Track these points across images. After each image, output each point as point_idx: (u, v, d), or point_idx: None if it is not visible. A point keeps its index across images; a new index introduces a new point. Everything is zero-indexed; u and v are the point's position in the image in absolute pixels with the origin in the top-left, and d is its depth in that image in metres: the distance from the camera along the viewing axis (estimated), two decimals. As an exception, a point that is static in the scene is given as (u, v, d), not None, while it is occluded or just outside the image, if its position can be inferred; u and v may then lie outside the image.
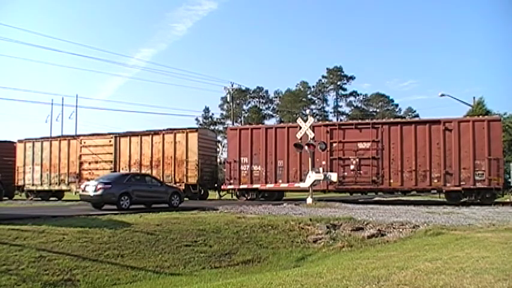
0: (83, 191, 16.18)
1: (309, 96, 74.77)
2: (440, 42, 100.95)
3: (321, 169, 19.31)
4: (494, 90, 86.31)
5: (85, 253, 8.70)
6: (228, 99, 52.16)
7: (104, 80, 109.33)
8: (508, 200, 21.54)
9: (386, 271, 6.04)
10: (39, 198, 27.12)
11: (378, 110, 72.94)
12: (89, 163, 26.19)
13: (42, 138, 28.68)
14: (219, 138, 42.61)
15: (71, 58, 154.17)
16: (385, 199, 25.53)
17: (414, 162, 19.86)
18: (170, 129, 24.40)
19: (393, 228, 11.71)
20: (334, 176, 19.10)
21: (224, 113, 73.22)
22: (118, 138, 25.60)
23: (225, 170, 23.99)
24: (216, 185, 24.71)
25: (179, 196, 17.44)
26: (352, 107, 74.16)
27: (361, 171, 20.66)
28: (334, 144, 21.03)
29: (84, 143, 26.46)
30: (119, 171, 24.60)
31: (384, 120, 25.00)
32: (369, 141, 20.57)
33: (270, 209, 16.00)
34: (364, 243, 10.77)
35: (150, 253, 9.30)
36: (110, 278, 7.86)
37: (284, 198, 23.60)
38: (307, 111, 61.17)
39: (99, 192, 15.25)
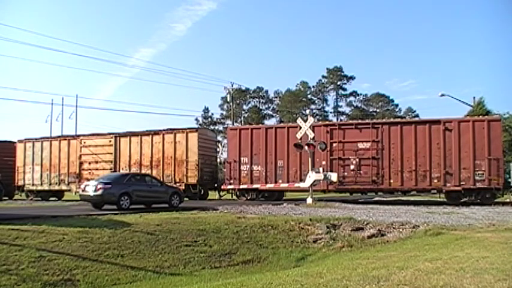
0: (83, 191, 16.17)
1: (309, 96, 74.79)
2: (440, 42, 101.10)
3: (321, 169, 19.31)
4: (494, 90, 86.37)
5: (85, 253, 8.70)
6: (228, 99, 52.16)
7: (104, 80, 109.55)
8: (508, 200, 21.53)
9: (386, 271, 6.04)
10: (39, 198, 27.11)
11: (378, 110, 72.93)
12: (89, 163, 26.18)
13: (42, 138, 28.67)
14: (219, 138, 42.65)
15: (71, 58, 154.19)
16: (385, 199, 25.52)
17: (414, 162, 19.85)
18: (170, 129, 24.40)
19: (393, 228, 11.71)
20: (334, 176, 19.09)
21: (224, 113, 73.30)
22: (118, 138, 25.60)
23: (225, 170, 23.99)
24: (216, 185, 24.70)
25: (179, 196, 17.44)
26: (352, 107, 74.18)
27: (361, 171, 20.65)
28: (334, 144, 21.03)
29: (84, 143, 26.46)
30: (119, 171, 24.60)
31: (384, 120, 24.99)
32: (369, 141, 20.56)
33: (270, 209, 15.99)
34: (364, 243, 10.77)
35: (150, 253, 9.30)
36: (110, 278, 7.86)
37: (284, 198, 23.59)
38: (307, 111, 61.16)
39: (99, 192, 15.24)
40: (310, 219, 12.62)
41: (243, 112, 74.77)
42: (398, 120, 25.26)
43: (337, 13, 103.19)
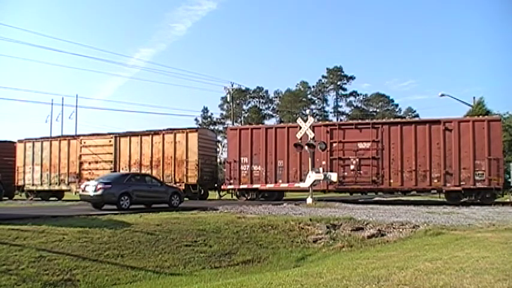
0: (83, 191, 16.17)
1: (309, 96, 74.82)
2: (440, 42, 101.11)
3: (321, 169, 19.30)
4: (494, 90, 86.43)
5: (85, 253, 8.70)
6: (228, 99, 52.16)
7: (104, 80, 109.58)
8: (508, 200, 21.53)
9: (386, 271, 6.04)
10: (39, 198, 27.11)
11: (378, 110, 72.93)
12: (89, 163, 26.19)
13: (42, 138, 28.68)
14: (219, 138, 42.64)
15: (71, 58, 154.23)
16: (385, 199, 25.53)
17: (414, 162, 19.85)
18: (170, 129, 24.40)
19: (393, 228, 11.71)
20: (334, 176, 19.09)
21: (224, 113, 73.30)
22: (118, 138, 25.60)
23: (225, 170, 23.99)
24: (216, 185, 24.71)
25: (179, 196, 17.44)
26: (352, 107, 74.20)
27: (361, 171, 20.65)
28: (334, 144, 21.03)
29: (84, 143, 26.46)
30: (119, 171, 24.59)
31: (384, 120, 24.99)
32: (369, 141, 20.56)
33: (270, 209, 15.99)
34: (364, 243, 10.77)
35: (150, 253, 9.30)
36: (110, 278, 7.86)
37: (284, 198, 23.59)
38: (307, 111, 61.18)
39: (99, 192, 15.24)
40: (310, 219, 12.62)
41: (243, 112, 74.77)
42: (398, 120, 25.26)
43: (337, 13, 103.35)
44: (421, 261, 6.75)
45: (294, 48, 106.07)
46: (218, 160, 27.14)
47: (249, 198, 22.41)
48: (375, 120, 23.61)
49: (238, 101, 70.78)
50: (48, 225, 10.38)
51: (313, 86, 74.56)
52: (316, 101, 74.95)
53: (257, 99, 76.44)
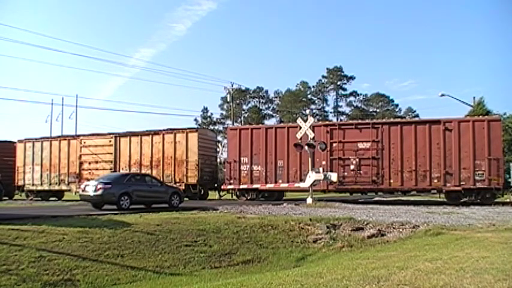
0: (83, 191, 16.17)
1: (309, 96, 74.83)
2: (440, 42, 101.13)
3: (321, 169, 19.30)
4: (494, 90, 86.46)
5: (85, 253, 8.70)
6: (228, 99, 52.17)
7: (104, 80, 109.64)
8: (508, 200, 21.53)
9: (386, 271, 6.04)
10: (39, 198, 27.11)
11: (378, 110, 72.94)
12: (89, 163, 26.19)
13: (42, 138, 28.68)
14: (219, 138, 42.64)
15: (71, 58, 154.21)
16: (385, 199, 25.52)
17: (414, 162, 19.85)
18: (170, 129, 24.40)
19: (393, 228, 11.70)
20: (334, 176, 19.09)
21: (224, 113, 73.30)
22: (118, 138, 25.60)
23: (225, 170, 24.00)
24: (216, 185, 24.71)
25: (179, 196, 17.44)
26: (352, 107, 74.22)
27: (361, 171, 20.65)
28: (334, 144, 21.03)
29: (84, 143, 26.46)
30: (119, 171, 24.60)
31: (384, 120, 24.98)
32: (369, 141, 20.56)
33: (270, 209, 15.99)
34: (364, 243, 10.77)
35: (150, 253, 9.30)
36: (110, 278, 7.86)
37: (284, 198, 23.59)
38: (307, 111, 61.12)
39: (99, 192, 15.24)
40: (310, 219, 12.62)
41: (243, 112, 74.77)
42: (398, 120, 25.24)
43: (337, 13, 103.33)
44: (421, 261, 6.75)
45: (294, 48, 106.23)
46: (218, 160, 27.16)
47: (249, 198, 22.41)
48: (375, 120, 23.60)
49: (238, 101, 70.76)
50: (48, 225, 10.38)
51: (313, 86, 74.70)
52: (316, 101, 75.02)
53: (257, 99, 76.46)
